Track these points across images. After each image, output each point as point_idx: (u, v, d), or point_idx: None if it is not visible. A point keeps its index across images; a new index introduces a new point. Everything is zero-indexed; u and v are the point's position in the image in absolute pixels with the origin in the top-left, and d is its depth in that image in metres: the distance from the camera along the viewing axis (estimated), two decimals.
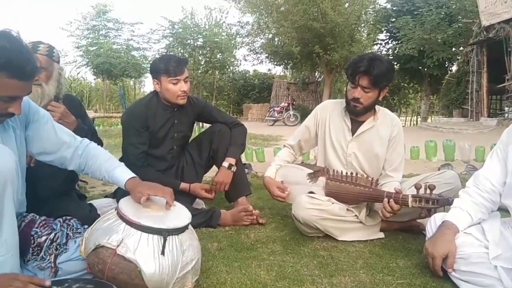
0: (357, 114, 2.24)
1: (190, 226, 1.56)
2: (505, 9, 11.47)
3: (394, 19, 17.82)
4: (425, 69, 17.08)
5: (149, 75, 24.34)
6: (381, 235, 2.21)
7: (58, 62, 2.08)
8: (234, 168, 2.55)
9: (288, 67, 21.32)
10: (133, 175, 1.58)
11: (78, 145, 1.60)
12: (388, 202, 1.95)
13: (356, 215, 2.17)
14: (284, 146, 2.56)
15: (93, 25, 20.78)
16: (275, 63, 20.80)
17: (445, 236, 1.60)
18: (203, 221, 2.36)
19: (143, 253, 1.35)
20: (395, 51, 17.70)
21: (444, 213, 1.72)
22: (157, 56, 20.41)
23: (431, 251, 1.60)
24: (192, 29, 20.15)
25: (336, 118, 2.33)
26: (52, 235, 1.51)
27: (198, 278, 1.55)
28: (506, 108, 12.25)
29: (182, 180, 2.59)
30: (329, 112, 2.36)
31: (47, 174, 1.75)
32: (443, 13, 15.79)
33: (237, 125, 2.72)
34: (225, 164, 2.53)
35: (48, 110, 1.93)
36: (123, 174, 1.57)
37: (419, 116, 20.61)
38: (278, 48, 18.64)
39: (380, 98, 2.22)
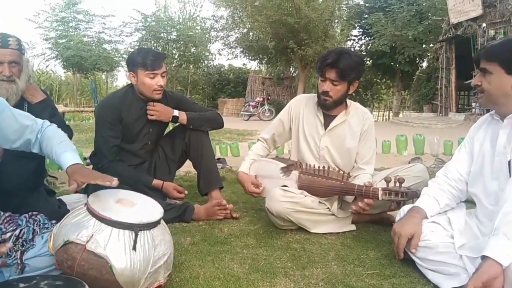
0: (327, 108, 2.27)
1: (162, 221, 1.55)
2: (472, 8, 11.80)
3: (366, 16, 18.05)
4: (397, 65, 17.38)
5: (121, 69, 23.74)
6: (353, 227, 2.26)
7: (25, 54, 2.03)
8: (178, 120, 2.51)
9: (263, 62, 21.27)
10: (78, 161, 1.51)
11: (40, 129, 1.56)
12: (363, 202, 2.00)
13: (328, 208, 2.21)
14: (258, 139, 2.56)
15: (62, 17, 20.13)
16: (250, 57, 20.72)
17: (413, 219, 1.69)
18: (177, 215, 2.34)
19: (114, 248, 1.33)
20: (368, 47, 17.94)
21: (412, 205, 1.78)
22: (129, 49, 20.09)
23: (399, 230, 1.68)
24: (166, 23, 19.83)
25: (309, 113, 2.35)
26: (17, 231, 1.47)
27: (171, 273, 1.54)
28: (473, 104, 12.64)
29: (155, 176, 2.56)
30: (302, 106, 2.38)
31: (13, 169, 1.70)
32: (413, 10, 16.09)
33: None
34: (176, 113, 2.50)
35: None
36: (68, 158, 1.50)
37: (391, 111, 21.04)
38: (253, 43, 18.58)
39: (350, 92, 2.25)
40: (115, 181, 1.45)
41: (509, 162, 1.56)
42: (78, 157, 1.55)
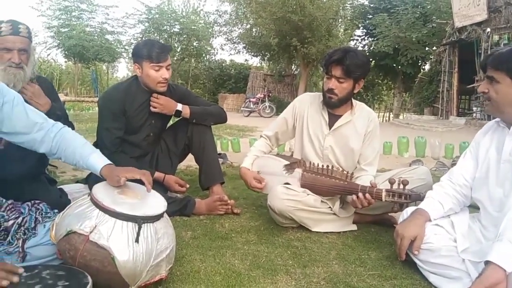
0: (332, 106, 2.26)
1: (165, 214, 1.54)
2: (477, 12, 11.79)
3: (371, 16, 18.02)
4: (399, 67, 17.38)
5: (122, 60, 23.58)
6: (354, 227, 2.25)
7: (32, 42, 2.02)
8: (181, 114, 2.51)
9: (265, 58, 21.24)
10: (109, 161, 1.54)
11: (51, 128, 1.53)
12: (364, 195, 1.99)
13: (330, 207, 2.20)
14: (261, 136, 2.55)
15: (65, 6, 20.04)
16: (252, 54, 20.70)
17: (417, 221, 1.68)
18: (178, 209, 2.34)
19: (117, 240, 1.32)
20: (371, 48, 17.91)
21: (416, 207, 1.77)
22: (132, 41, 20.03)
23: (401, 232, 1.67)
24: (169, 15, 19.77)
25: (314, 112, 2.34)
26: (19, 219, 1.46)
27: (172, 267, 1.53)
28: (474, 108, 12.64)
29: (156, 169, 2.56)
30: (307, 105, 2.37)
31: (16, 157, 1.69)
32: (418, 12, 16.07)
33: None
34: (179, 107, 2.49)
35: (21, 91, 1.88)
36: (98, 160, 1.52)
37: (391, 113, 21.04)
38: (255, 39, 18.55)
39: (355, 91, 2.24)
40: (150, 186, 1.53)
41: None
42: (105, 157, 1.56)
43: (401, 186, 1.92)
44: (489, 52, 1.77)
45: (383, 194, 1.94)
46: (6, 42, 1.80)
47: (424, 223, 1.68)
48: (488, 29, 11.33)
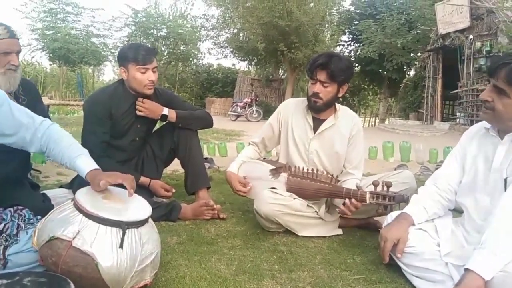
0: (317, 110, 2.27)
1: (150, 220, 1.53)
2: (460, 19, 12.00)
3: (357, 22, 18.21)
4: (385, 72, 17.56)
5: (108, 64, 23.31)
6: (340, 231, 2.26)
7: None
8: (167, 118, 2.49)
9: (253, 63, 21.28)
10: (96, 166, 1.52)
11: (38, 127, 1.50)
12: (350, 201, 2.00)
13: (316, 211, 2.21)
14: (249, 143, 2.56)
15: (50, 8, 19.76)
16: (240, 58, 20.72)
17: (400, 224, 1.70)
18: (163, 214, 2.32)
19: (101, 246, 1.31)
20: (357, 53, 18.09)
21: (400, 211, 1.79)
22: (119, 44, 19.87)
23: (385, 235, 1.69)
24: (156, 19, 19.67)
25: (299, 116, 2.36)
26: (1, 226, 1.43)
27: (157, 272, 1.52)
28: (457, 113, 12.84)
29: (142, 173, 2.54)
30: (291, 110, 2.39)
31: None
32: (403, 19, 16.28)
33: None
34: (165, 111, 2.48)
35: None
36: (85, 164, 1.50)
37: (377, 118, 21.24)
38: (243, 44, 18.57)
39: (339, 96, 2.26)
40: (132, 191, 1.49)
41: (505, 180, 1.55)
42: (93, 160, 1.54)
43: (385, 188, 1.95)
44: (490, 56, 1.75)
45: (367, 196, 1.96)
46: (5, 45, 1.79)
47: (408, 227, 1.69)
48: (471, 36, 11.54)
